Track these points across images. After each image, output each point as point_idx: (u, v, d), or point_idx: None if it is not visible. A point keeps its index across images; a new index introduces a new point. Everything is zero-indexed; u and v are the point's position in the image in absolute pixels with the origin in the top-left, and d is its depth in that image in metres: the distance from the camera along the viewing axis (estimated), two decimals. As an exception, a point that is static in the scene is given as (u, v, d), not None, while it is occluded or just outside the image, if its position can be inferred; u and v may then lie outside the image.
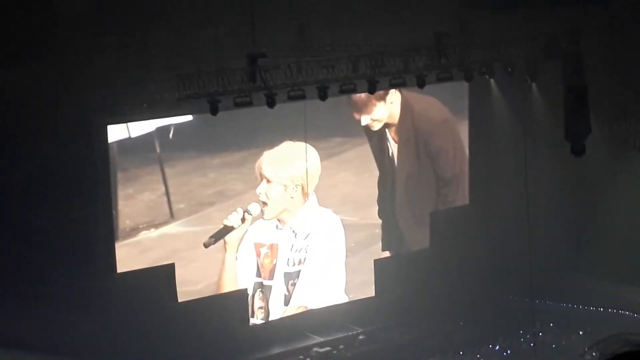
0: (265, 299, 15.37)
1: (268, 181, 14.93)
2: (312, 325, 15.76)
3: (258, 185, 14.95)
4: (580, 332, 15.81)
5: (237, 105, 13.14)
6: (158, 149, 14.37)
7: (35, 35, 11.91)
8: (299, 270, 15.39)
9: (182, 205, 14.71)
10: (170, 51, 12.66)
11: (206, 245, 14.58)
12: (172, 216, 14.62)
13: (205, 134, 14.48)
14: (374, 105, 15.64)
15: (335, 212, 15.64)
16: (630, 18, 15.27)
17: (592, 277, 16.78)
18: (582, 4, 14.63)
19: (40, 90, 12.47)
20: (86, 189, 13.61)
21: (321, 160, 15.53)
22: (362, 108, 15.63)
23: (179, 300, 14.71)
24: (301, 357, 15.55)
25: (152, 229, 14.51)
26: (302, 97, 13.60)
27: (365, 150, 16.19)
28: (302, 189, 15.18)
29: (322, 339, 15.81)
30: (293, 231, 15.28)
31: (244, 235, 14.95)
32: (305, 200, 15.24)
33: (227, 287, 14.99)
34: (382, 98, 15.65)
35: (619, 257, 16.62)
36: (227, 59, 12.82)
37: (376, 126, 15.80)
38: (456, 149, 16.71)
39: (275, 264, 15.27)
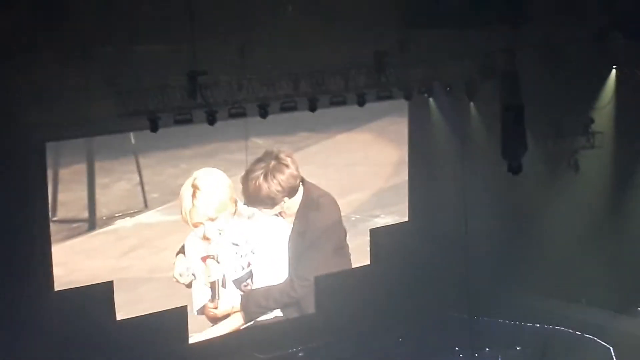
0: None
1: (212, 219, 14.99)
2: (251, 343, 15.73)
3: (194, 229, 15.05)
4: (518, 348, 15.98)
5: (177, 122, 13.14)
6: (133, 140, 14.57)
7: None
8: (249, 272, 15.47)
9: (155, 195, 15.01)
10: (109, 67, 12.58)
11: (216, 308, 15.39)
12: (146, 205, 14.91)
13: (175, 128, 14.55)
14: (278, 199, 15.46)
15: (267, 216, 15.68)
16: (565, 38, 15.54)
17: (529, 293, 17.00)
18: (518, 24, 14.85)
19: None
20: (22, 209, 13.48)
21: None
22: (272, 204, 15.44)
23: (118, 318, 14.64)
24: (241, 374, 15.54)
25: (128, 218, 14.76)
26: (243, 114, 13.64)
27: (330, 144, 16.32)
28: (230, 215, 15.25)
29: (262, 356, 15.79)
30: (233, 243, 15.33)
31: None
32: (235, 212, 15.27)
33: None
34: (292, 194, 15.50)
35: (555, 274, 16.87)
36: (168, 76, 12.80)
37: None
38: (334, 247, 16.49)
39: (225, 275, 15.35)
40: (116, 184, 14.65)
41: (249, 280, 15.59)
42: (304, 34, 13.61)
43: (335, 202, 16.10)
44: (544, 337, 16.06)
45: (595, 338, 16.20)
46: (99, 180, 14.44)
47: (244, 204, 15.33)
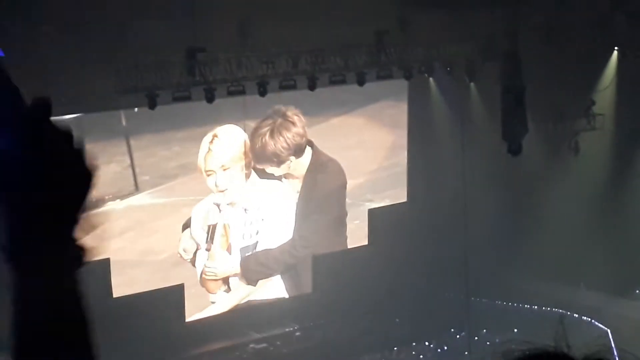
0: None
1: (224, 169, 14.88)
2: (248, 322, 15.73)
3: (207, 177, 14.92)
4: (515, 330, 15.97)
5: (176, 99, 13.09)
6: (124, 122, 14.50)
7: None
8: (256, 242, 15.40)
9: (146, 177, 14.98)
10: (108, 44, 12.50)
11: (208, 249, 15.07)
12: (137, 188, 14.88)
13: (169, 108, 14.46)
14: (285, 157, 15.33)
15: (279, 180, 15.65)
16: (567, 20, 15.46)
17: (527, 275, 16.98)
18: (520, 5, 14.78)
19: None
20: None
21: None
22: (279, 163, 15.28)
23: (114, 295, 14.63)
24: (237, 353, 15.52)
25: (118, 200, 14.73)
26: (242, 92, 13.58)
27: (324, 128, 16.33)
28: (242, 168, 15.17)
29: (258, 335, 15.80)
30: (244, 209, 15.25)
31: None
32: (248, 178, 15.23)
33: None
34: (299, 153, 15.36)
35: (554, 256, 16.84)
36: (166, 52, 12.72)
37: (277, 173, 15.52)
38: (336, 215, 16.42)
39: (231, 243, 15.28)
40: (106, 166, 14.47)
41: (254, 251, 15.55)
42: (305, 12, 13.51)
43: (342, 170, 16.04)
44: (543, 319, 16.05)
45: (593, 321, 16.20)
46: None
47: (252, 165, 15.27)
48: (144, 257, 14.89)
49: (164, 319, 14.85)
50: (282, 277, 15.99)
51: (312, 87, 14.11)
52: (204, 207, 15.20)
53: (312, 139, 15.64)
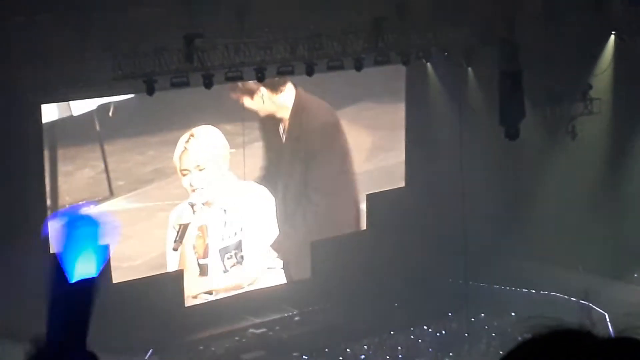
0: (204, 274, 15.46)
1: (200, 169, 14.91)
2: (247, 307, 15.79)
3: (182, 177, 15.00)
4: (513, 314, 16.04)
5: (174, 85, 13.10)
6: (98, 127, 14.39)
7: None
8: (238, 241, 15.43)
9: (121, 182, 14.86)
10: (106, 30, 12.52)
11: (176, 249, 15.04)
12: (111, 193, 14.75)
13: (144, 112, 14.47)
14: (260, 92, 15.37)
15: (257, 185, 15.72)
16: (564, 4, 15.47)
17: (525, 259, 17.02)
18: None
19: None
20: (18, 168, 13.46)
21: (259, 139, 15.65)
22: (251, 93, 15.34)
23: (114, 281, 14.64)
24: (237, 338, 15.59)
25: (92, 205, 14.48)
26: (240, 78, 13.63)
27: None
28: (219, 168, 15.27)
29: (257, 320, 15.86)
30: (223, 209, 15.30)
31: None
32: (225, 179, 15.32)
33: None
34: (275, 89, 15.41)
35: (552, 240, 16.88)
36: (165, 39, 12.74)
37: (262, 113, 15.56)
38: (336, 156, 16.50)
39: (208, 244, 15.29)
40: (80, 171, 14.39)
41: (236, 251, 15.52)
42: (302, -2, 13.54)
43: (331, 108, 15.98)
44: (540, 303, 16.09)
45: (590, 304, 16.24)
46: (62, 168, 14.17)
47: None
48: (119, 263, 14.63)
49: (163, 304, 14.90)
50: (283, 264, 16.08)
51: (309, 73, 14.13)
52: (179, 208, 15.22)
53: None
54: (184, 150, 14.84)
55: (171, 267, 15.22)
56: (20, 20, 12.02)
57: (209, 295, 15.51)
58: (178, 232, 15.11)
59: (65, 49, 12.33)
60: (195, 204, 15.07)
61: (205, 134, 15.02)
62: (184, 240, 15.18)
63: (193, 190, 15.01)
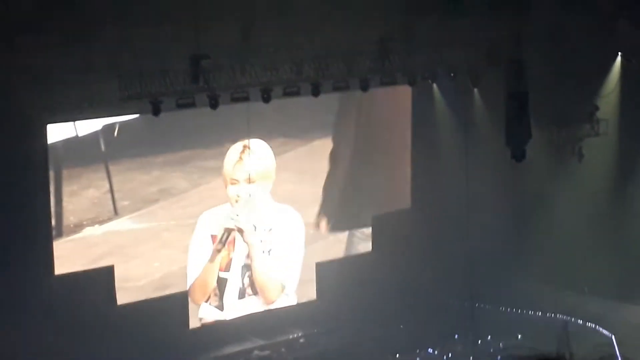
0: (220, 291, 15.32)
1: (250, 181, 14.90)
2: (253, 328, 15.70)
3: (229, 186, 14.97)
4: (519, 336, 15.95)
5: (180, 106, 13.09)
6: (103, 147, 14.36)
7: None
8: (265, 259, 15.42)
9: (125, 202, 14.78)
10: (112, 51, 12.49)
11: (219, 250, 15.07)
12: (116, 213, 14.67)
13: (149, 132, 14.45)
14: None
15: (293, 209, 15.71)
16: (570, 25, 15.44)
17: (530, 281, 16.96)
18: (524, 12, 14.77)
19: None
20: (25, 189, 13.42)
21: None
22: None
23: (119, 302, 14.60)
24: (241, 360, 15.52)
25: (96, 225, 14.54)
26: (246, 99, 13.59)
27: (305, 151, 16.18)
28: (264, 187, 15.33)
29: (263, 342, 15.77)
30: (253, 225, 15.21)
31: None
32: (267, 198, 15.33)
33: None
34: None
35: (557, 262, 16.83)
36: (170, 59, 12.72)
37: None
38: None
39: (232, 257, 15.22)
40: (85, 191, 14.35)
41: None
42: (308, 19, 13.51)
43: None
44: (545, 325, 16.01)
45: (597, 326, 16.16)
46: (67, 188, 14.15)
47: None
48: (123, 283, 14.62)
49: (168, 325, 14.82)
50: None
51: (315, 94, 14.11)
52: (212, 214, 15.11)
53: (294, 160, 15.80)
54: (238, 160, 14.89)
55: (192, 275, 15.15)
56: (25, 41, 11.99)
57: (219, 311, 15.37)
58: (223, 235, 14.98)
59: (70, 69, 12.31)
60: (239, 214, 14.92)
61: (261, 148, 15.15)
62: (197, 250, 15.14)
63: (236, 201, 14.90)
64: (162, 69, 12.70)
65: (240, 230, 15.10)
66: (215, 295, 15.37)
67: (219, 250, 15.10)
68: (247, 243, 15.20)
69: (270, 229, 15.38)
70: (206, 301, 15.35)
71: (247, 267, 15.38)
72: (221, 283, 15.34)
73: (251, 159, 14.99)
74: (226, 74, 13.18)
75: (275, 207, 15.44)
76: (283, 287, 15.56)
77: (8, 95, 12.42)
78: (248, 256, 15.31)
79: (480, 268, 16.13)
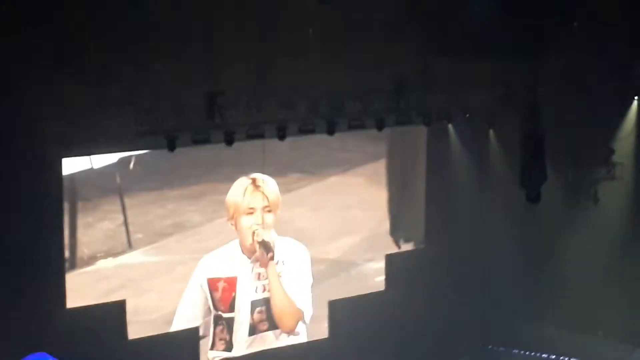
0: (229, 332, 15.25)
1: (268, 210, 14.87)
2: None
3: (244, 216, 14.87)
4: (532, 379, 15.87)
5: (195, 142, 13.18)
6: (118, 180, 14.43)
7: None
8: (268, 297, 15.27)
9: (140, 235, 14.82)
10: (127, 85, 12.59)
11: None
12: (130, 246, 14.71)
13: (164, 166, 14.54)
14: None
15: (296, 240, 15.59)
16: (586, 68, 15.47)
17: (545, 323, 16.86)
18: (540, 53, 14.81)
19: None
20: (37, 221, 13.49)
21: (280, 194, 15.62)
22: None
23: (130, 336, 14.59)
24: (252, 398, 15.43)
25: (110, 258, 14.58)
26: (261, 136, 13.69)
27: (321, 187, 16.19)
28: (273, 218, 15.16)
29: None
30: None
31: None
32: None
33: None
34: None
35: (572, 304, 16.71)
36: (186, 95, 12.81)
37: None
38: None
39: (234, 296, 15.17)
40: (99, 223, 14.42)
41: (267, 306, 15.37)
42: (324, 57, 13.60)
43: None
44: None
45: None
46: (82, 220, 14.22)
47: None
48: (135, 317, 14.61)
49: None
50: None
51: (331, 132, 14.18)
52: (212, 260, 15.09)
53: (310, 196, 15.75)
54: (254, 189, 14.80)
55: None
56: (40, 75, 12.11)
57: (227, 353, 15.33)
58: (260, 248, 14.77)
59: (86, 103, 12.41)
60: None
61: (268, 179, 15.06)
62: (190, 297, 15.05)
63: (254, 232, 14.77)
64: (177, 105, 12.79)
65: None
66: (222, 340, 15.28)
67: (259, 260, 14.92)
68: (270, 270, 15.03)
69: (284, 261, 15.33)
70: (211, 348, 15.25)
71: (257, 302, 15.28)
72: (228, 323, 15.23)
73: (266, 188, 14.95)
74: (242, 110, 13.27)
75: (280, 239, 15.35)
76: (302, 314, 15.41)
77: (23, 128, 12.51)
78: (257, 290, 15.23)
79: (494, 309, 16.06)
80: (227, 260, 15.12)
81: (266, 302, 15.36)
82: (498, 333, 16.32)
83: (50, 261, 13.86)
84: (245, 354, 15.46)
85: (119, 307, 14.48)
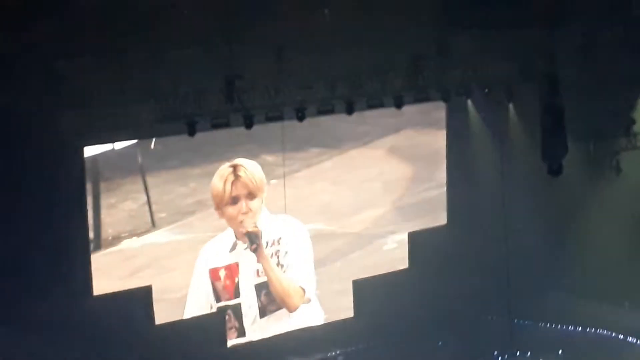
0: (237, 318, 15.29)
1: (252, 197, 14.85)
2: (290, 347, 15.70)
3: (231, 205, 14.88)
4: (560, 352, 15.84)
5: (215, 126, 13.18)
6: (140, 159, 14.49)
7: (10, 57, 11.82)
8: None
9: (163, 214, 14.91)
10: (146, 72, 12.61)
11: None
12: (153, 225, 14.81)
13: (185, 144, 14.55)
14: None
15: (291, 216, 15.59)
16: (605, 38, 15.36)
17: (570, 296, 16.84)
18: (558, 25, 14.71)
19: (15, 112, 12.39)
20: (61, 205, 13.56)
21: (300, 169, 15.63)
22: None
23: (157, 320, 14.68)
24: (279, 379, 15.52)
25: (134, 238, 14.69)
26: (280, 118, 13.70)
27: (341, 161, 16.22)
28: (261, 201, 15.15)
29: (303, 360, 15.80)
30: (265, 242, 15.15)
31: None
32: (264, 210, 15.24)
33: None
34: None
35: (597, 276, 16.68)
36: (205, 80, 12.81)
37: None
38: None
39: (238, 282, 15.20)
40: (122, 203, 14.52)
41: (268, 289, 15.37)
42: (341, 37, 13.56)
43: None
44: (586, 340, 15.89)
45: (638, 342, 16.02)
46: (105, 200, 14.31)
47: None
48: (161, 295, 14.72)
49: (206, 344, 14.87)
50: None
51: (350, 112, 14.15)
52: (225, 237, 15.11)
53: (330, 170, 15.78)
54: (235, 179, 14.79)
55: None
56: (60, 64, 12.15)
57: (241, 338, 15.37)
58: (252, 238, 14.78)
59: (105, 91, 12.44)
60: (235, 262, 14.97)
61: (250, 164, 15.04)
62: (196, 289, 15.14)
63: (241, 222, 14.80)
64: (196, 90, 12.80)
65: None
66: (233, 328, 15.33)
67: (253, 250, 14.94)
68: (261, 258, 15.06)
69: (280, 238, 15.29)
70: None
71: (262, 285, 15.27)
72: (236, 310, 15.27)
73: (247, 175, 14.90)
74: (260, 94, 13.27)
75: (274, 217, 15.32)
76: (304, 291, 15.40)
77: (42, 118, 12.56)
78: (258, 274, 15.22)
79: (518, 283, 16.04)
80: (226, 247, 15.18)
81: (268, 284, 15.37)
82: (523, 307, 16.30)
83: (77, 245, 13.95)
84: (277, 334, 15.47)
85: (145, 292, 14.57)
